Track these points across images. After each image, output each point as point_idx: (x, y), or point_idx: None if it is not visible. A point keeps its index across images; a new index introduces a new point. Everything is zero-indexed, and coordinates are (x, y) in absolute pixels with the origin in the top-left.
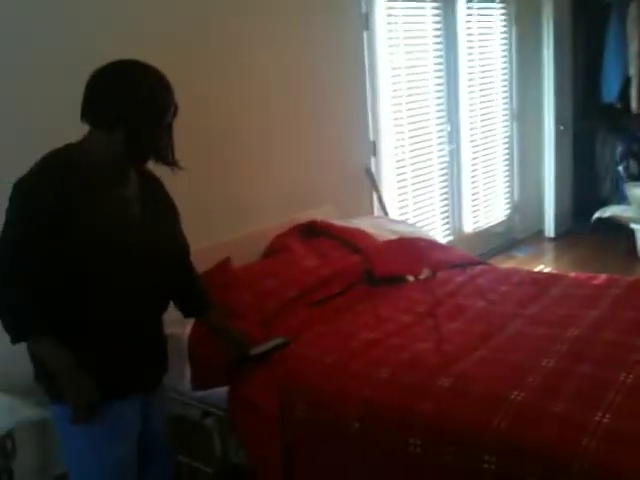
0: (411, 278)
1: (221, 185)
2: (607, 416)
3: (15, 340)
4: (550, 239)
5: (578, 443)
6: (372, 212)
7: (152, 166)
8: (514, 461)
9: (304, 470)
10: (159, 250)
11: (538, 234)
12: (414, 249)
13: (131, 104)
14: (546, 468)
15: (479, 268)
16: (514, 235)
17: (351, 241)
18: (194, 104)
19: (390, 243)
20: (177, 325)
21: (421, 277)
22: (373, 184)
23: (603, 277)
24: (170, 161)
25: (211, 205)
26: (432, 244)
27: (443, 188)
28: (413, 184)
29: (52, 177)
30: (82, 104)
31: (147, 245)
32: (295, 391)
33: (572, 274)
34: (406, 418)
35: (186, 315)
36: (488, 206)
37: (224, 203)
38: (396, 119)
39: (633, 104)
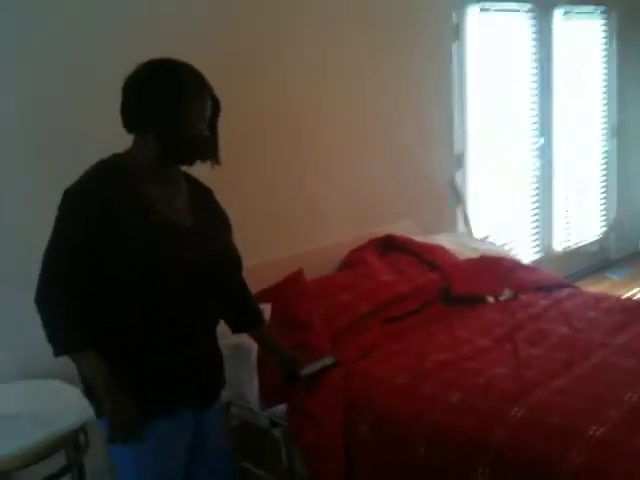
0: (491, 299)
1: (296, 195)
2: None
3: (56, 354)
4: None
5: None
6: (455, 228)
7: (209, 179)
8: None
9: None
10: (209, 261)
11: (635, 255)
12: (496, 268)
13: (150, 102)
14: None
15: (566, 291)
16: (608, 255)
17: (430, 258)
18: (273, 107)
19: (470, 261)
20: (247, 336)
21: (502, 298)
22: (458, 198)
23: None
24: (209, 156)
25: (285, 216)
26: (515, 264)
27: (533, 204)
28: (500, 199)
29: (98, 184)
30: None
31: (196, 256)
32: (362, 409)
33: None
34: (476, 445)
35: (235, 330)
36: (581, 224)
37: (299, 214)
38: (485, 132)
39: None
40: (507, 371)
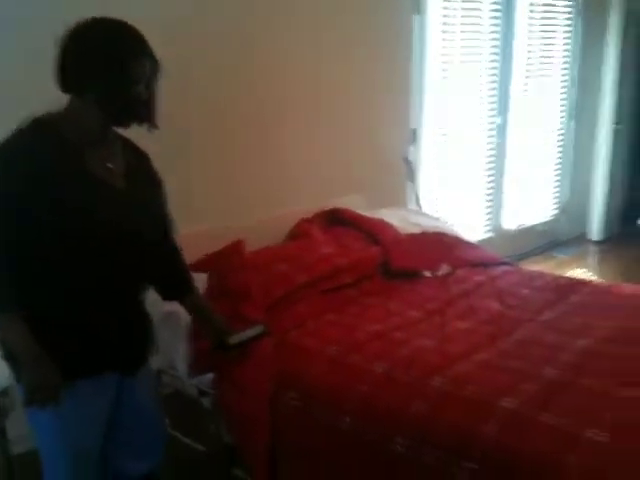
0: (428, 274)
1: (247, 167)
2: (600, 433)
3: None
4: (595, 242)
5: (565, 457)
6: (406, 203)
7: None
8: (498, 471)
9: (290, 458)
10: (139, 224)
11: (583, 236)
12: (435, 244)
13: (88, 62)
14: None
15: (502, 269)
16: (558, 236)
17: (372, 232)
18: (229, 76)
19: (412, 237)
20: (176, 304)
21: (439, 274)
22: (409, 174)
23: (628, 287)
24: (146, 119)
25: (234, 186)
26: (456, 241)
27: (486, 183)
28: (454, 177)
29: (32, 143)
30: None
31: (127, 218)
32: (290, 379)
33: (596, 281)
34: (396, 416)
35: (165, 297)
36: (533, 205)
37: (249, 185)
38: (441, 108)
39: None
40: (432, 344)
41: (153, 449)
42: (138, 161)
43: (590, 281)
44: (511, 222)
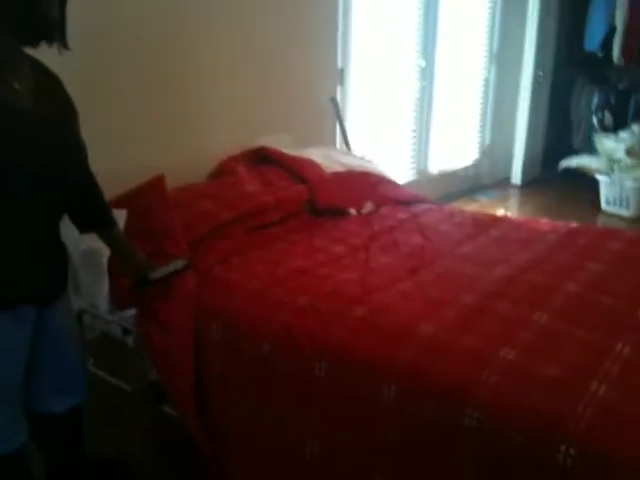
0: (353, 212)
1: (174, 103)
2: (513, 353)
3: None
4: (516, 186)
5: (478, 378)
6: (334, 144)
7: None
8: (414, 395)
9: (215, 391)
10: (50, 149)
11: (505, 181)
12: (360, 183)
13: None
14: (446, 402)
15: (424, 207)
16: (481, 180)
17: (298, 171)
18: (150, 20)
19: (337, 175)
20: (97, 240)
21: (364, 211)
22: (337, 114)
23: (545, 222)
24: (57, 39)
25: (162, 123)
26: (381, 179)
27: (411, 126)
28: (380, 118)
29: None
30: None
31: (35, 141)
32: (213, 313)
33: (514, 217)
34: (317, 343)
35: (82, 230)
36: (457, 149)
37: (175, 122)
38: (368, 49)
39: (615, 55)
40: (355, 277)
41: (75, 385)
42: (49, 84)
43: (508, 217)
44: (435, 166)
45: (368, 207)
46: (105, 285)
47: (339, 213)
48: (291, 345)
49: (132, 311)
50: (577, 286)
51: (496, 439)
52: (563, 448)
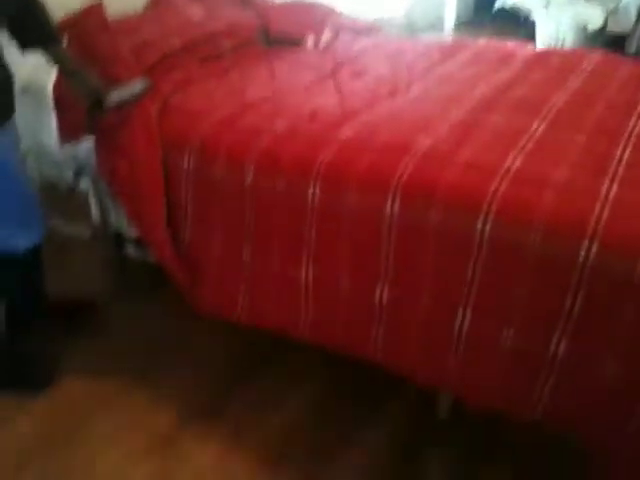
0: (310, 41)
1: None
2: (519, 161)
3: None
4: (450, 29)
5: (488, 186)
6: None
7: None
8: (418, 206)
9: (190, 224)
10: None
11: (439, 23)
12: (314, 11)
13: None
14: (455, 213)
15: (383, 37)
16: (415, 26)
17: None
18: None
19: (286, 4)
20: (40, 72)
21: (322, 40)
22: None
23: (512, 44)
24: None
25: None
26: (332, 11)
27: None
28: None
29: None
30: None
31: None
32: (181, 143)
33: (483, 41)
34: (304, 166)
35: (24, 46)
36: None
37: None
38: None
39: None
40: (332, 101)
41: (31, 222)
42: None
43: (474, 42)
44: (367, 15)
45: (326, 36)
46: (52, 118)
47: (295, 43)
48: (277, 171)
49: (83, 149)
50: (566, 97)
51: (509, 244)
52: (586, 243)
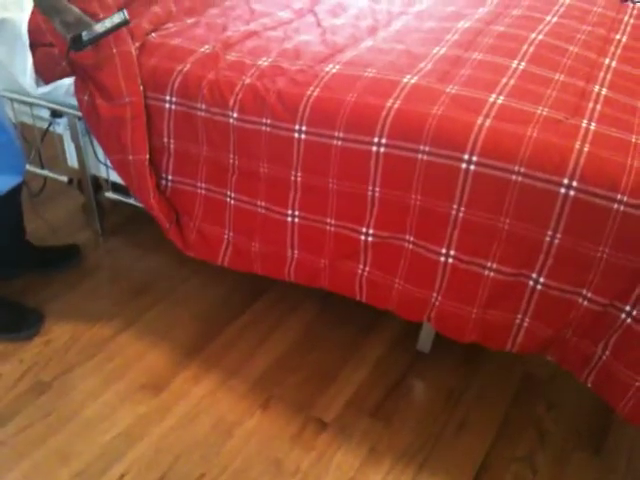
0: None
1: None
2: (502, 98)
3: None
4: None
5: (473, 123)
6: None
7: None
8: (406, 143)
9: (174, 165)
10: None
11: None
12: None
13: None
14: (444, 149)
15: None
16: None
17: None
18: None
19: None
20: (14, 8)
21: None
22: None
23: None
24: None
25: None
26: None
27: None
28: None
29: None
30: None
31: None
32: (163, 80)
33: None
34: (292, 106)
35: None
36: None
37: None
38: None
39: None
40: (314, 38)
41: (10, 159)
42: None
43: None
44: None
45: None
46: (28, 58)
47: None
48: (261, 109)
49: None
50: (543, 36)
51: (493, 179)
52: (566, 181)
